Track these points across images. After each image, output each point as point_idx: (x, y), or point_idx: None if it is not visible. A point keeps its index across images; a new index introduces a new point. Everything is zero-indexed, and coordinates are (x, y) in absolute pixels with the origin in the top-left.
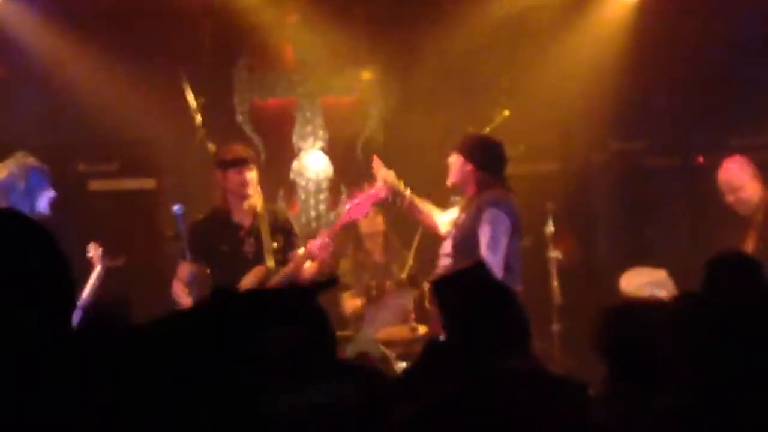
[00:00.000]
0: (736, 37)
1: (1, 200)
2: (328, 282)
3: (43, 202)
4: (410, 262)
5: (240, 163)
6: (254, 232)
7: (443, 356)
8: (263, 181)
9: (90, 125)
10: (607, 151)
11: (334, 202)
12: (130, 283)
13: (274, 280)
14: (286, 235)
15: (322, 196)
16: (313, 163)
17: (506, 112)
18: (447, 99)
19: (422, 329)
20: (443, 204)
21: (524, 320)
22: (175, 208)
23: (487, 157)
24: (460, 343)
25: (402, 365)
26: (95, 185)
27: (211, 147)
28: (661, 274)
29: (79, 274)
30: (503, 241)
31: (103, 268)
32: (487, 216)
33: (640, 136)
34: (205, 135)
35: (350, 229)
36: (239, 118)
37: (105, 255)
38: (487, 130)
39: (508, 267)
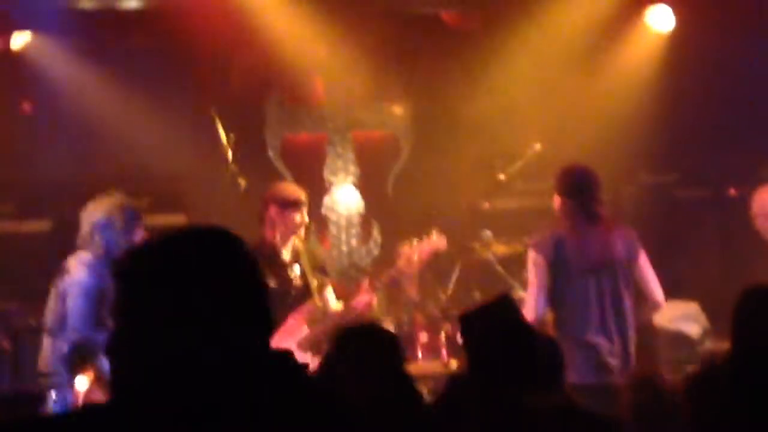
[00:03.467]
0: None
1: (96, 238)
2: None
3: (138, 240)
4: (443, 297)
5: (300, 206)
6: (299, 270)
7: (466, 391)
8: None
9: (121, 161)
10: (637, 184)
11: (365, 237)
12: None
13: (328, 321)
14: (323, 274)
15: (353, 231)
16: (344, 198)
17: (538, 146)
18: (476, 133)
19: (454, 364)
20: (473, 237)
21: (553, 356)
22: None
23: (563, 184)
24: (482, 377)
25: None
26: None
27: (242, 182)
28: (692, 308)
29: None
30: (534, 281)
31: None
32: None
33: (671, 169)
34: (237, 170)
35: (386, 268)
36: (270, 153)
37: None
38: (518, 163)
39: (558, 302)
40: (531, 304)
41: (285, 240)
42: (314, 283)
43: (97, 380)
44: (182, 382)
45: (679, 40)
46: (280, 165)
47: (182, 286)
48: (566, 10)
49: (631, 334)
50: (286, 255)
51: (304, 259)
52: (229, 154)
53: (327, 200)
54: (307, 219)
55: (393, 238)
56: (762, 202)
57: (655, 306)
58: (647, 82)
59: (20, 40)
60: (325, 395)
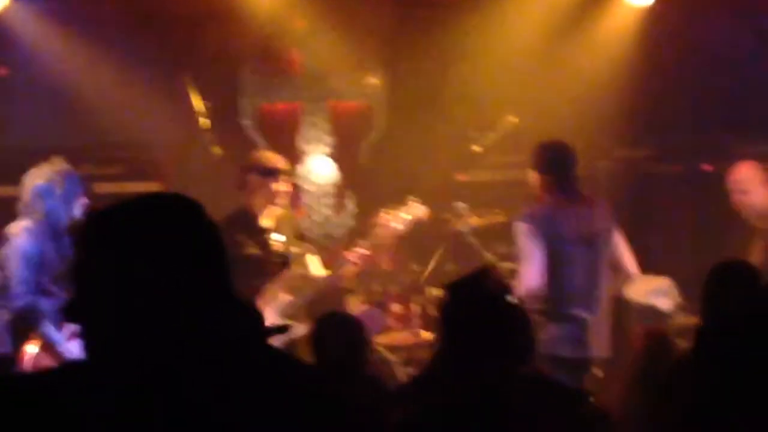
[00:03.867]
0: (744, 43)
1: (37, 205)
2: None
3: (78, 207)
4: (415, 268)
5: (281, 174)
6: (279, 237)
7: (445, 364)
8: None
9: (95, 128)
10: (612, 159)
11: (339, 207)
12: None
13: (313, 285)
14: (302, 241)
15: (327, 201)
16: (318, 168)
17: (513, 119)
18: (452, 105)
19: (426, 335)
20: (447, 209)
21: (528, 328)
22: None
23: (542, 160)
24: (462, 349)
25: (405, 370)
26: (99, 188)
27: (217, 150)
28: (664, 282)
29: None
30: (533, 252)
31: None
32: (515, 231)
33: (646, 144)
34: (211, 138)
35: (361, 236)
36: (245, 122)
37: None
38: (492, 136)
39: (552, 273)
40: (530, 275)
41: (265, 208)
42: (295, 250)
43: (44, 347)
44: (136, 350)
45: (656, 13)
46: (254, 134)
47: (139, 251)
48: None
49: (608, 308)
50: (266, 222)
51: (284, 226)
52: (204, 122)
53: (301, 170)
54: (288, 187)
55: (367, 208)
56: (737, 177)
57: (628, 278)
58: (624, 57)
59: None
60: (288, 362)
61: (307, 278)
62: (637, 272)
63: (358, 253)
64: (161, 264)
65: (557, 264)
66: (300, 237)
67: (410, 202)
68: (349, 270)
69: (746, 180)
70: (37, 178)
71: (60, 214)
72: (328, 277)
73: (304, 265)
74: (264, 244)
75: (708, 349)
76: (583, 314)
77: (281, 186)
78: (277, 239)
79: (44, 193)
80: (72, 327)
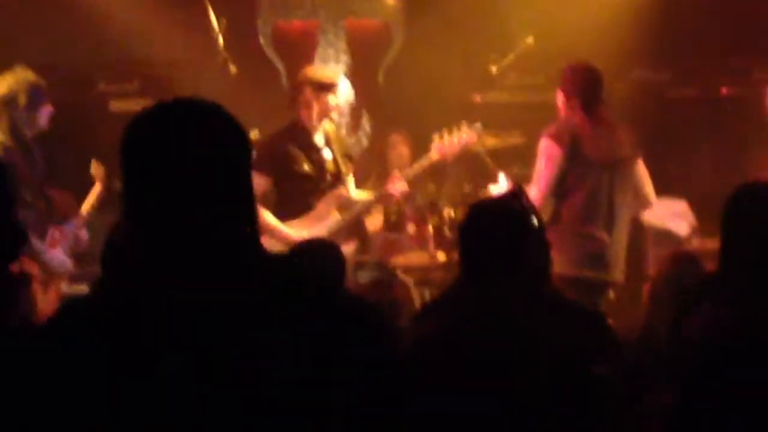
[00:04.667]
0: None
1: (1, 114)
2: None
3: (44, 117)
4: (431, 188)
5: (335, 88)
6: (330, 154)
7: (464, 286)
8: (284, 104)
9: (110, 45)
10: (629, 81)
11: (354, 126)
12: None
13: (359, 205)
14: (349, 160)
15: (343, 120)
16: None
17: (529, 40)
18: (470, 26)
19: (441, 256)
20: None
21: (546, 249)
22: None
23: (570, 82)
24: (479, 267)
25: (421, 291)
26: (115, 105)
27: (233, 69)
28: (681, 206)
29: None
30: (545, 172)
31: (104, 187)
32: (539, 147)
33: (663, 67)
34: (227, 57)
35: (376, 158)
36: (262, 40)
37: (104, 174)
38: (510, 57)
39: (567, 194)
40: (539, 192)
41: (318, 123)
42: (344, 168)
43: (28, 257)
44: (146, 265)
45: None
46: (270, 52)
47: (166, 162)
48: None
49: (625, 232)
50: (318, 139)
51: (335, 143)
52: (221, 40)
53: None
54: (341, 102)
55: (382, 129)
56: None
57: (647, 205)
58: None
59: None
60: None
61: (353, 198)
62: (655, 200)
63: (399, 184)
64: (193, 177)
65: (579, 184)
66: (347, 156)
67: (463, 127)
68: (387, 197)
69: None
70: None
71: (23, 125)
72: (371, 199)
73: (349, 185)
74: (317, 161)
75: (734, 270)
76: (603, 236)
77: (334, 100)
78: (328, 156)
79: (7, 103)
80: (53, 235)
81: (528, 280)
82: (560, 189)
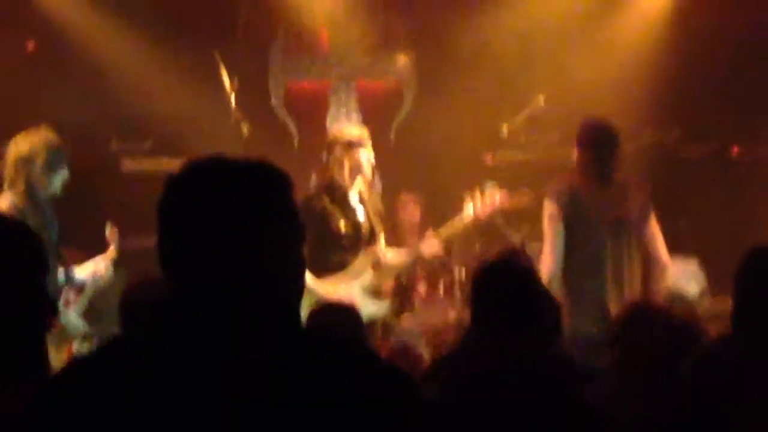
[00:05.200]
0: None
1: (19, 173)
2: None
3: (59, 181)
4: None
5: (364, 144)
6: (363, 213)
7: (479, 342)
8: (296, 165)
9: (124, 103)
10: (641, 140)
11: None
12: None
13: (391, 266)
14: (381, 219)
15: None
16: None
17: (541, 99)
18: (481, 85)
19: (452, 316)
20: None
21: (554, 309)
22: None
23: (583, 136)
24: (489, 328)
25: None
26: (128, 164)
27: (246, 128)
28: (691, 265)
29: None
30: (549, 232)
31: (117, 248)
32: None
33: (675, 125)
34: (240, 116)
35: (387, 218)
36: (274, 100)
37: (117, 235)
38: (521, 116)
39: (570, 254)
40: (547, 256)
41: (351, 181)
42: (377, 227)
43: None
44: (186, 318)
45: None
46: (282, 112)
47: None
48: None
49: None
50: (353, 197)
51: (368, 202)
52: (233, 99)
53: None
54: (372, 158)
55: (394, 187)
56: None
57: (663, 268)
58: (653, 38)
59: None
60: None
61: (387, 257)
62: (668, 259)
63: (433, 244)
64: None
65: (582, 243)
66: (380, 215)
67: (490, 188)
68: (421, 256)
69: None
70: (19, 147)
71: (38, 185)
72: (405, 258)
73: (381, 244)
74: (352, 219)
75: (748, 333)
76: (606, 295)
77: (365, 155)
78: (361, 214)
79: (25, 162)
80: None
81: (538, 339)
82: (567, 249)
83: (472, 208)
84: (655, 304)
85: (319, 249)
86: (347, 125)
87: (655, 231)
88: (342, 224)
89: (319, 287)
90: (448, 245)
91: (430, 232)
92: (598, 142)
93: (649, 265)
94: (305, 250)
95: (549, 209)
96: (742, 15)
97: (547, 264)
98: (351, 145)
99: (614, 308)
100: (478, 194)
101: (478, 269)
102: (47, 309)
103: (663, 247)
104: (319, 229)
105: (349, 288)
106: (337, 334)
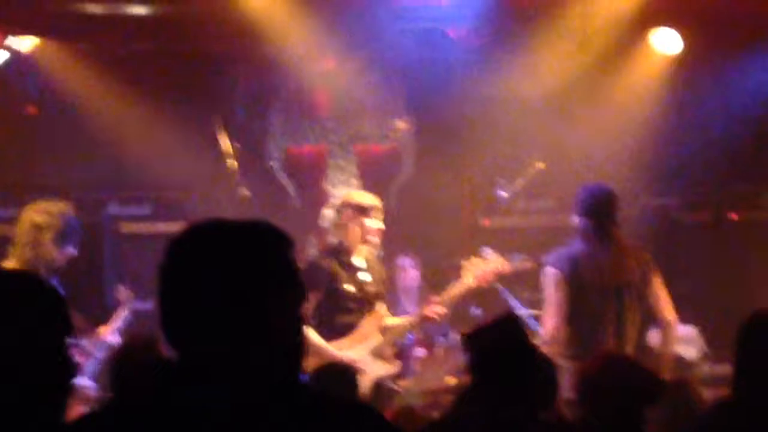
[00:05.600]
0: None
1: (28, 240)
2: None
3: (64, 257)
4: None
5: (375, 211)
6: (370, 277)
7: (471, 407)
8: (295, 227)
9: (123, 168)
10: (639, 206)
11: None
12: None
13: (398, 330)
14: (384, 284)
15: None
16: None
17: (541, 164)
18: (480, 151)
19: (450, 380)
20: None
21: (549, 374)
22: None
23: (580, 202)
24: (483, 394)
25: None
26: (127, 228)
27: (245, 192)
28: (690, 331)
29: (110, 316)
30: (552, 299)
31: (130, 310)
32: (543, 275)
33: (673, 192)
34: (239, 180)
35: (387, 282)
36: (273, 164)
37: (133, 298)
38: (520, 182)
39: (570, 320)
40: (549, 322)
41: (359, 245)
42: (382, 291)
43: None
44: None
45: (684, 62)
46: (282, 176)
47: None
48: (571, 31)
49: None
50: (359, 261)
51: (374, 266)
52: (233, 163)
53: (328, 213)
54: (382, 225)
55: (392, 251)
56: None
57: (669, 328)
58: (650, 104)
59: (28, 43)
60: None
61: (389, 321)
62: (675, 319)
63: (437, 308)
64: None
65: (581, 309)
66: (383, 280)
67: (487, 254)
68: (425, 320)
69: None
70: (35, 214)
71: (47, 255)
72: (411, 321)
73: (384, 308)
74: (358, 281)
75: (748, 399)
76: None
77: (374, 223)
78: (367, 278)
79: (38, 232)
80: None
81: (534, 405)
82: (568, 315)
83: (471, 275)
84: (620, 355)
85: (325, 310)
86: (359, 190)
87: (659, 292)
88: (349, 287)
89: (330, 350)
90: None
91: (434, 297)
92: (596, 208)
93: (658, 327)
94: (313, 311)
95: (548, 275)
96: (738, 81)
97: (550, 325)
98: (363, 211)
99: None
100: (475, 259)
101: (473, 334)
102: (71, 370)
103: (668, 308)
104: (327, 291)
105: (359, 351)
106: (335, 393)
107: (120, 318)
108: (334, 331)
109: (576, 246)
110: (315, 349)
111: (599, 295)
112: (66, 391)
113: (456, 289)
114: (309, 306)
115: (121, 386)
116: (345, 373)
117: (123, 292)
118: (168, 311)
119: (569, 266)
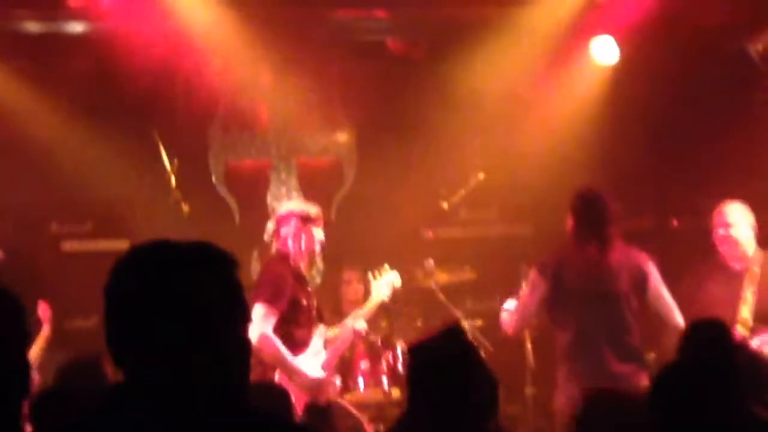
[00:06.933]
0: (708, 101)
1: None
2: None
3: None
4: (384, 325)
5: (320, 222)
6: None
7: (414, 422)
8: (238, 242)
9: (63, 185)
10: None
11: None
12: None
13: (337, 343)
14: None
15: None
16: None
17: (481, 175)
18: (421, 161)
19: (395, 392)
20: (416, 265)
21: (491, 386)
22: None
23: (572, 207)
24: (426, 408)
25: (375, 428)
26: (68, 246)
27: (185, 208)
28: None
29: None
30: (523, 298)
31: (50, 328)
32: None
33: (614, 199)
34: (180, 196)
35: (331, 296)
36: (214, 178)
37: (63, 317)
38: (461, 192)
39: (558, 326)
40: (513, 318)
41: (305, 256)
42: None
43: None
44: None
45: (623, 70)
46: (223, 191)
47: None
48: (510, 42)
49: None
50: (306, 273)
51: (312, 280)
52: (173, 179)
53: (270, 226)
54: (322, 235)
55: (335, 265)
56: (727, 211)
57: (675, 331)
58: (589, 112)
59: None
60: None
61: (331, 333)
62: (681, 321)
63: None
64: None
65: (567, 319)
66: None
67: (386, 270)
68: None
69: (735, 214)
70: None
71: None
72: (343, 334)
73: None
74: (308, 294)
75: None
76: (599, 370)
77: (319, 233)
78: (310, 290)
79: None
80: None
81: (474, 419)
82: (553, 325)
83: (377, 290)
84: (611, 393)
85: (285, 324)
86: (301, 201)
87: (660, 298)
88: (302, 299)
89: (299, 366)
90: (390, 321)
91: (356, 311)
92: (586, 212)
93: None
94: (280, 325)
95: (532, 278)
96: (678, 89)
97: (509, 324)
98: (308, 220)
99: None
100: (377, 273)
101: (414, 347)
102: (27, 383)
103: (671, 312)
104: (289, 303)
105: (314, 364)
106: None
107: (44, 337)
108: (293, 346)
109: (566, 251)
110: (283, 366)
111: (585, 303)
112: (23, 399)
113: (369, 304)
114: (276, 320)
115: (66, 405)
116: (276, 391)
117: (43, 310)
118: (113, 331)
119: (552, 270)
